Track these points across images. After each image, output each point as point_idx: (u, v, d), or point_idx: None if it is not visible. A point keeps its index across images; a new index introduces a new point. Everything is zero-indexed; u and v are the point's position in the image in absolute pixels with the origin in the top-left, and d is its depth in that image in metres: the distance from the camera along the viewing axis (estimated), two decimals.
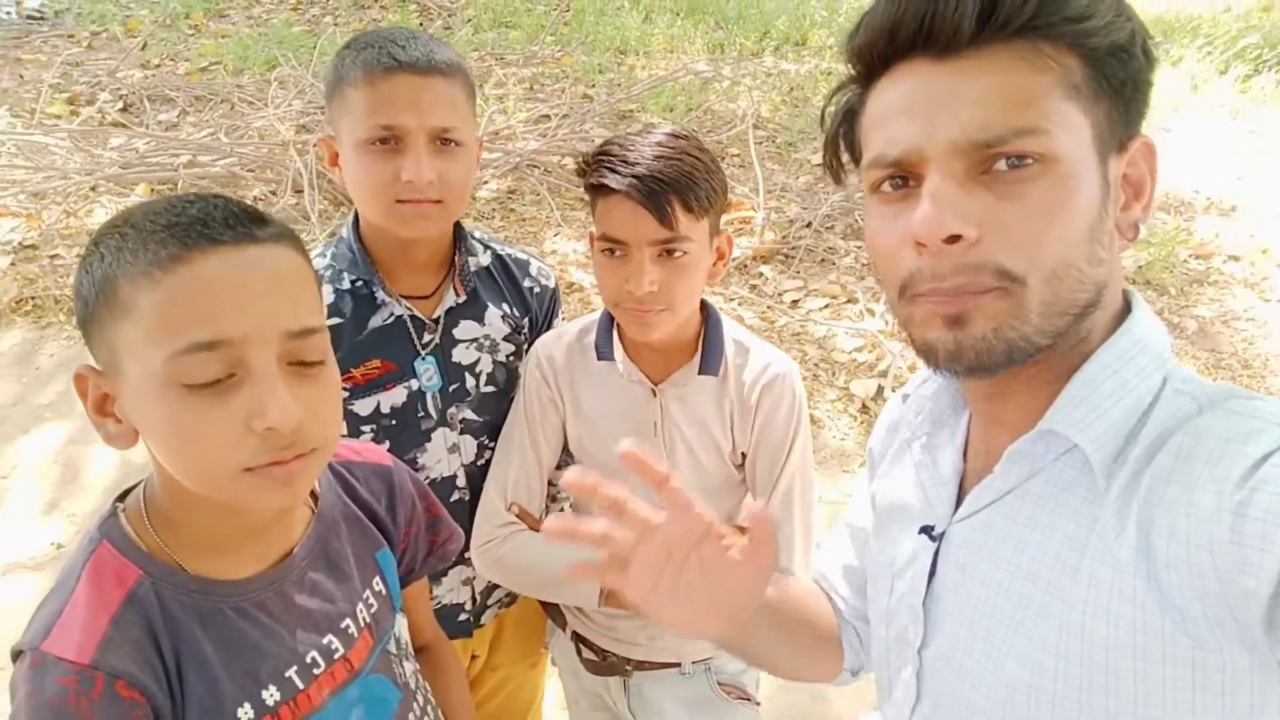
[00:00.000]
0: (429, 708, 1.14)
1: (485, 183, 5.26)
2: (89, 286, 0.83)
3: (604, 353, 1.46)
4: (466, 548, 1.49)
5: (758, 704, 1.64)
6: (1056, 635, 0.75)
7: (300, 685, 0.95)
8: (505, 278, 1.59)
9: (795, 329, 4.25)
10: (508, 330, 1.55)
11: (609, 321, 1.47)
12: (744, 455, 1.47)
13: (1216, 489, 0.66)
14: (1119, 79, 0.74)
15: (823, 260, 4.79)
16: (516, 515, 1.50)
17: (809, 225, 4.98)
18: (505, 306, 1.56)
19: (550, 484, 1.58)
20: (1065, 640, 0.74)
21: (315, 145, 4.80)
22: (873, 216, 0.82)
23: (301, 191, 4.80)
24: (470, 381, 1.52)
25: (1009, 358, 0.74)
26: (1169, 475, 0.70)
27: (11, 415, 3.63)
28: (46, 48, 7.37)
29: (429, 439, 1.51)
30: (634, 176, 1.28)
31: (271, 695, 0.92)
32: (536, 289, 1.62)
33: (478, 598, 1.63)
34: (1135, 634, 0.70)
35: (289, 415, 0.81)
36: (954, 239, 0.72)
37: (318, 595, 1.00)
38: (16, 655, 0.85)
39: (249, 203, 0.89)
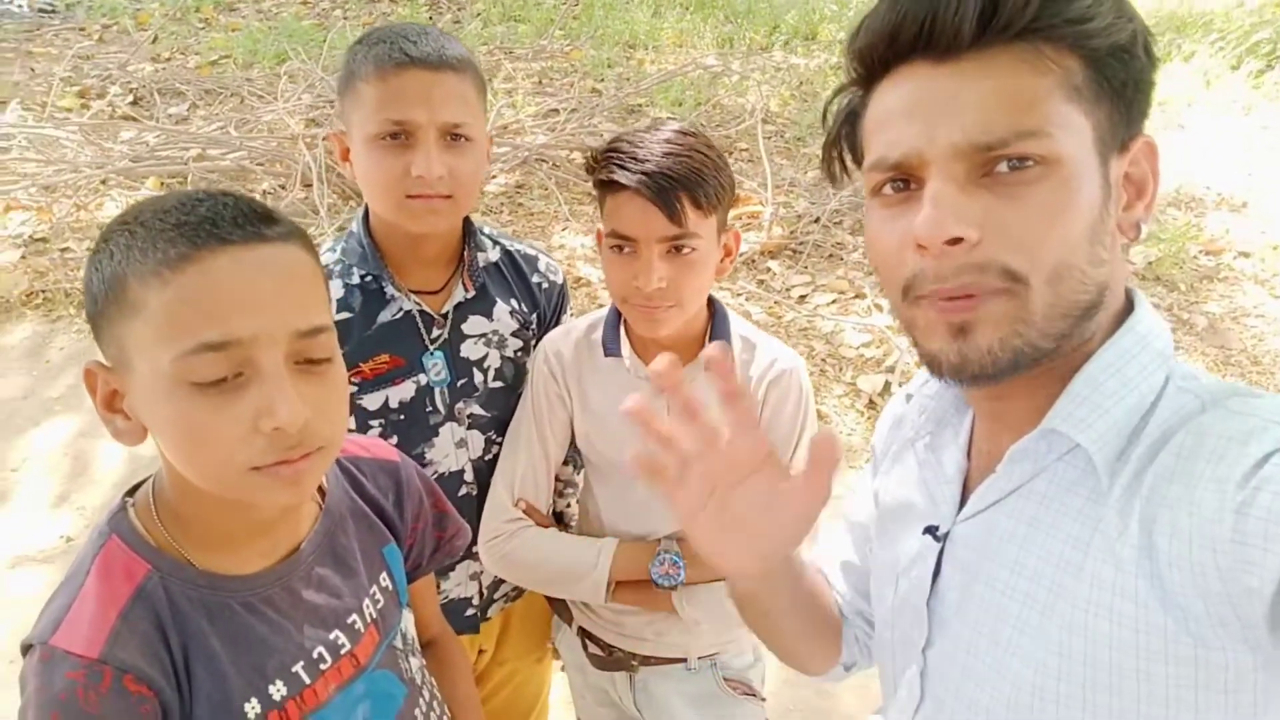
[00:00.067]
0: (435, 703, 1.15)
1: (493, 177, 5.27)
2: (98, 283, 0.83)
3: (611, 349, 1.46)
4: (474, 542, 1.49)
5: (763, 699, 1.64)
6: (1060, 634, 0.75)
7: (307, 680, 0.95)
8: (514, 273, 1.59)
9: (802, 324, 4.24)
10: (516, 326, 1.56)
11: (616, 318, 1.47)
12: None
13: (1218, 488, 0.66)
14: (1120, 80, 0.74)
15: (831, 255, 4.79)
16: (524, 511, 1.50)
17: (817, 220, 4.97)
18: (514, 302, 1.56)
19: (557, 479, 1.58)
20: (1069, 639, 0.74)
21: (325, 139, 4.82)
22: (874, 219, 0.82)
23: (311, 185, 4.81)
24: (478, 377, 1.53)
25: (1015, 367, 0.74)
26: (1171, 474, 0.70)
27: (22, 408, 3.64)
28: (58, 41, 7.40)
29: (437, 434, 1.51)
30: (643, 173, 1.28)
31: (278, 690, 0.93)
32: (545, 285, 1.62)
33: (484, 592, 1.63)
34: (1138, 633, 0.70)
35: (296, 415, 0.81)
36: (955, 241, 0.72)
37: (325, 591, 1.00)
38: (26, 649, 0.86)
39: (258, 197, 0.89)
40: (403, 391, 1.47)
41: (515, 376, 1.57)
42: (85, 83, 6.26)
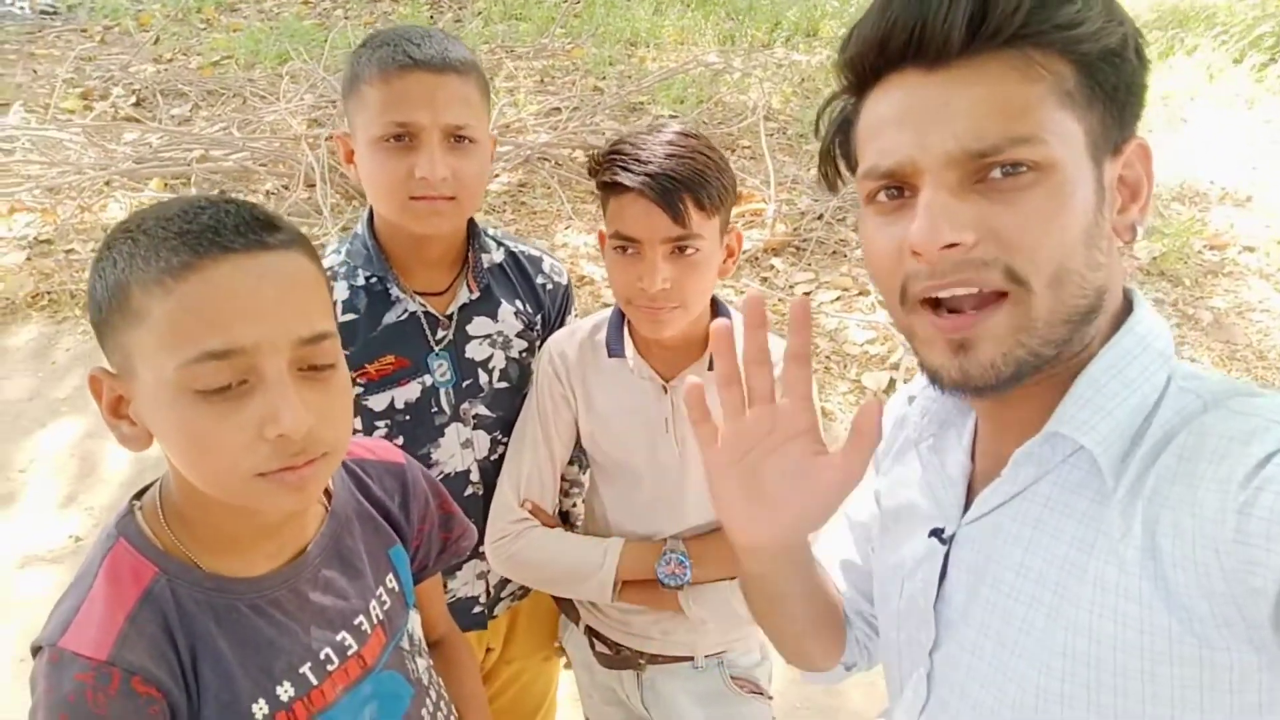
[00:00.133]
0: (442, 703, 1.15)
1: (496, 176, 5.26)
2: (102, 291, 0.83)
3: (615, 350, 1.46)
4: (481, 541, 1.50)
5: (770, 698, 1.65)
6: (1065, 636, 0.75)
7: (314, 681, 0.96)
8: (518, 274, 1.59)
9: None
10: (521, 326, 1.56)
11: (620, 319, 1.48)
12: None
13: (1221, 488, 0.66)
14: (1112, 84, 0.74)
15: (834, 252, 4.78)
16: (530, 511, 1.50)
17: (820, 217, 4.96)
18: (518, 303, 1.57)
19: (563, 479, 1.59)
20: (1073, 641, 0.74)
21: (329, 139, 4.83)
22: (869, 227, 0.82)
23: (314, 185, 4.81)
24: (483, 377, 1.53)
25: (1017, 377, 0.75)
26: (1173, 475, 0.70)
27: (28, 410, 3.65)
28: (60, 43, 7.42)
29: (442, 434, 1.51)
30: (647, 175, 1.29)
31: (286, 691, 0.93)
32: (549, 286, 1.62)
33: (491, 591, 1.64)
34: (1142, 634, 0.70)
35: (300, 422, 0.81)
36: (951, 247, 0.72)
37: (331, 592, 1.01)
38: (36, 651, 0.87)
39: (261, 197, 0.89)
40: (408, 392, 1.48)
41: (520, 377, 1.57)
42: (88, 84, 6.27)
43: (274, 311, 0.82)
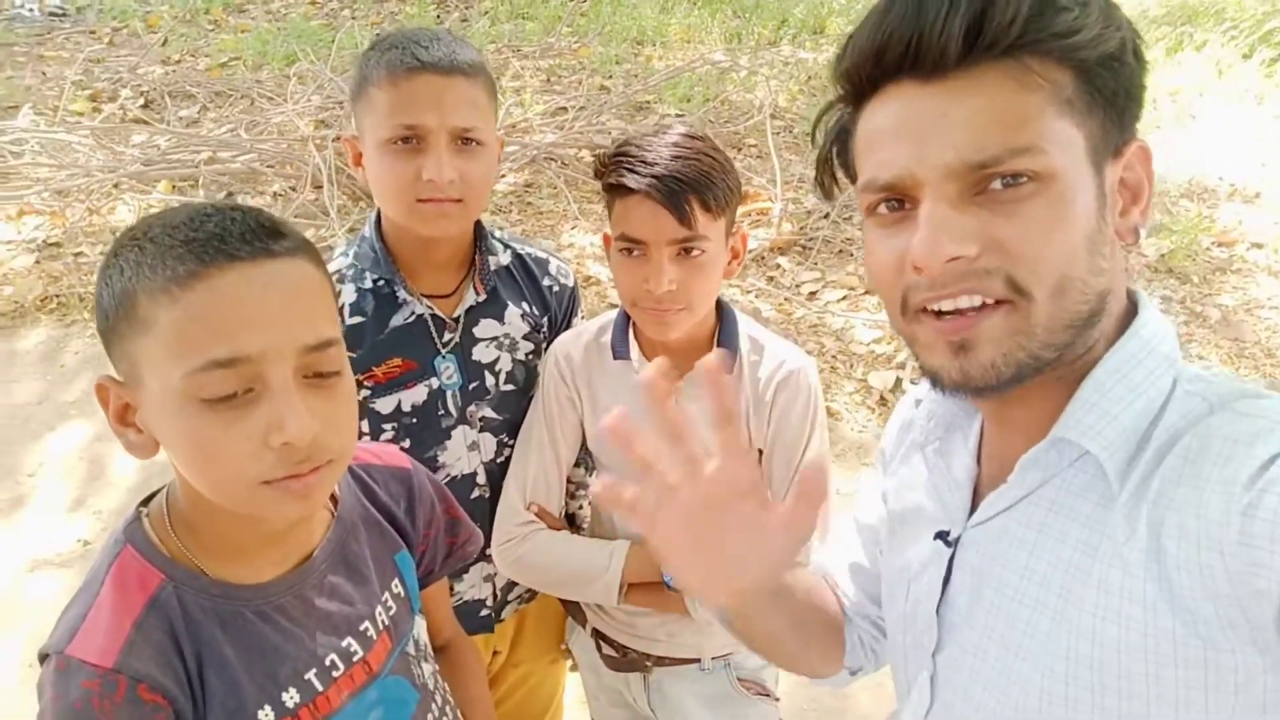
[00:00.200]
0: (448, 708, 1.15)
1: (503, 176, 5.26)
2: (109, 299, 0.83)
3: (620, 352, 1.46)
4: (488, 544, 1.50)
5: (777, 700, 1.64)
6: (1069, 639, 0.75)
7: (320, 687, 0.96)
8: (525, 277, 1.59)
9: (813, 320, 4.23)
10: (527, 329, 1.56)
11: (625, 321, 1.47)
12: (761, 452, 1.47)
13: (1225, 490, 0.66)
14: (1111, 89, 0.73)
15: (840, 251, 4.77)
16: (536, 514, 1.50)
17: (826, 216, 4.95)
18: (525, 305, 1.57)
19: (569, 481, 1.59)
20: (1077, 644, 0.74)
21: (335, 140, 4.83)
22: (870, 239, 0.82)
23: (321, 187, 4.82)
24: (490, 380, 1.53)
25: (1018, 379, 0.74)
26: (1178, 477, 0.70)
27: (37, 413, 3.66)
28: (68, 45, 7.44)
29: (449, 437, 1.52)
30: (653, 176, 1.29)
31: (291, 697, 0.93)
32: (556, 288, 1.62)
33: (498, 594, 1.64)
34: (1146, 636, 0.70)
35: (305, 430, 0.82)
36: (953, 260, 0.72)
37: (337, 598, 1.01)
38: (43, 658, 0.87)
39: (269, 199, 0.89)
40: (415, 395, 1.48)
41: (527, 379, 1.57)
42: (96, 86, 6.30)
43: (279, 319, 0.82)
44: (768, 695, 1.62)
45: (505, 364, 1.54)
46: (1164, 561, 0.69)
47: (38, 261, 4.49)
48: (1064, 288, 0.72)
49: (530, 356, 1.57)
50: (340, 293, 1.44)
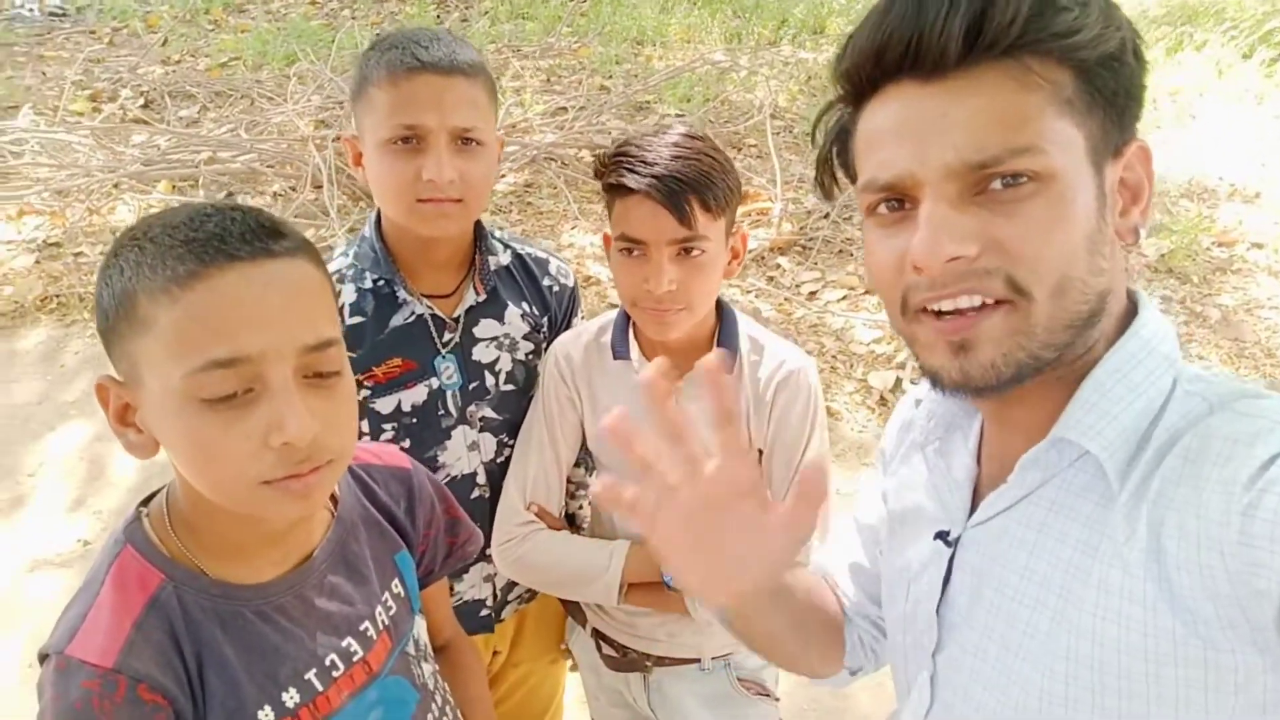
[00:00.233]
0: (448, 708, 1.15)
1: (503, 176, 5.26)
2: (109, 299, 0.83)
3: (620, 352, 1.46)
4: (488, 544, 1.50)
5: (777, 700, 1.64)
6: (1069, 639, 0.75)
7: (319, 687, 0.96)
8: (525, 277, 1.59)
9: (813, 320, 4.23)
10: (527, 329, 1.56)
11: (625, 321, 1.47)
12: (761, 452, 1.47)
13: (1225, 490, 0.66)
14: (1111, 89, 0.73)
15: (840, 251, 4.77)
16: (536, 514, 1.50)
17: (826, 216, 4.95)
18: (525, 305, 1.57)
19: (569, 481, 1.58)
20: (1077, 644, 0.74)
21: (335, 140, 4.83)
22: (870, 239, 0.82)
23: (321, 187, 4.82)
24: (490, 380, 1.53)
25: (1017, 378, 0.74)
26: (1178, 477, 0.70)
27: (37, 413, 3.66)
28: (68, 45, 7.44)
29: (449, 436, 1.52)
30: (653, 177, 1.29)
31: (291, 697, 0.93)
32: (556, 288, 1.62)
33: (498, 594, 1.64)
34: (1146, 636, 0.70)
35: (305, 430, 0.82)
36: (953, 260, 0.72)
37: (337, 598, 1.01)
38: (43, 658, 0.87)
39: (269, 199, 0.89)
40: (415, 395, 1.48)
41: (527, 379, 1.57)
42: (96, 86, 6.29)
43: (279, 319, 0.82)
44: (768, 695, 1.62)
45: (505, 364, 1.54)
46: (1164, 561, 0.69)
47: (38, 261, 4.49)
48: (1064, 288, 0.72)
49: (530, 356, 1.57)
50: (340, 293, 1.44)
